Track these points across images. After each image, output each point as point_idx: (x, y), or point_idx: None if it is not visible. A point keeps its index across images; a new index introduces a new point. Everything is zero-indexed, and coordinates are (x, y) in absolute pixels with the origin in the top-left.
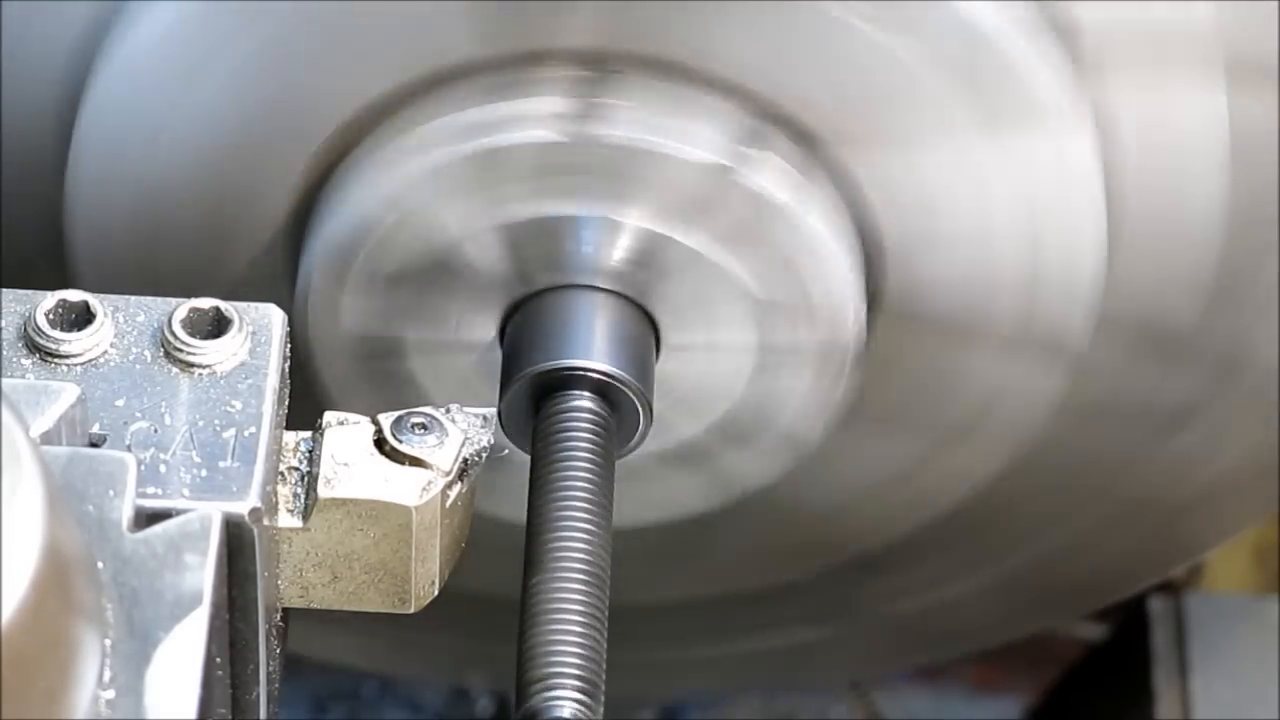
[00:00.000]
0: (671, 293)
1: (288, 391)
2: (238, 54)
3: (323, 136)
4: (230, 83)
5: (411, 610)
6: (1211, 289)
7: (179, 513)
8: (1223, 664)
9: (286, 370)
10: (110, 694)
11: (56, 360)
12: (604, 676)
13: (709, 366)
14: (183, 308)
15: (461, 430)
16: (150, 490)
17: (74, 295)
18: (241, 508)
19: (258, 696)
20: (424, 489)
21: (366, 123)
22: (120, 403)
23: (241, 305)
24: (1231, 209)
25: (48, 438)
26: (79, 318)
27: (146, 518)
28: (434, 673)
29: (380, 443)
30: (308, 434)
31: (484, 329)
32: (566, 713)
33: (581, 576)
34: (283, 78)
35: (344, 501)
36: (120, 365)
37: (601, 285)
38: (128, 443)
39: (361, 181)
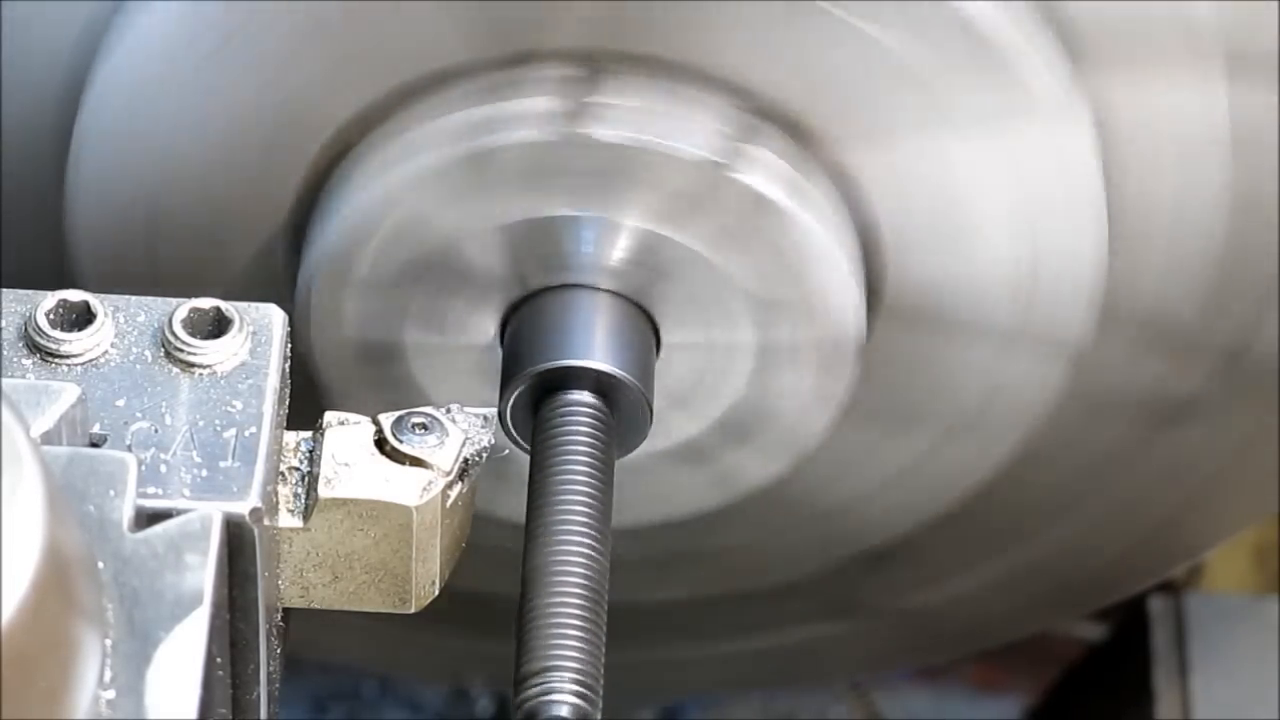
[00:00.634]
0: (669, 291)
1: (288, 391)
2: (236, 55)
3: (322, 137)
4: (229, 83)
5: (412, 610)
6: (1214, 283)
7: (179, 513)
8: (1223, 664)
9: (287, 370)
10: (111, 694)
11: (57, 360)
12: (603, 676)
13: (709, 365)
14: (183, 308)
15: (462, 430)
16: (151, 490)
17: (74, 295)
18: (242, 508)
19: (258, 696)
20: (424, 489)
21: (365, 123)
22: (121, 403)
23: (242, 305)
24: (1233, 203)
25: (48, 438)
26: (79, 318)
27: (147, 518)
28: (434, 673)
29: (381, 443)
30: (308, 434)
31: (484, 329)
32: (565, 712)
33: (581, 576)
34: (281, 79)
35: (344, 501)
36: (121, 365)
37: (600, 285)
38: (128, 443)
39: (360, 182)
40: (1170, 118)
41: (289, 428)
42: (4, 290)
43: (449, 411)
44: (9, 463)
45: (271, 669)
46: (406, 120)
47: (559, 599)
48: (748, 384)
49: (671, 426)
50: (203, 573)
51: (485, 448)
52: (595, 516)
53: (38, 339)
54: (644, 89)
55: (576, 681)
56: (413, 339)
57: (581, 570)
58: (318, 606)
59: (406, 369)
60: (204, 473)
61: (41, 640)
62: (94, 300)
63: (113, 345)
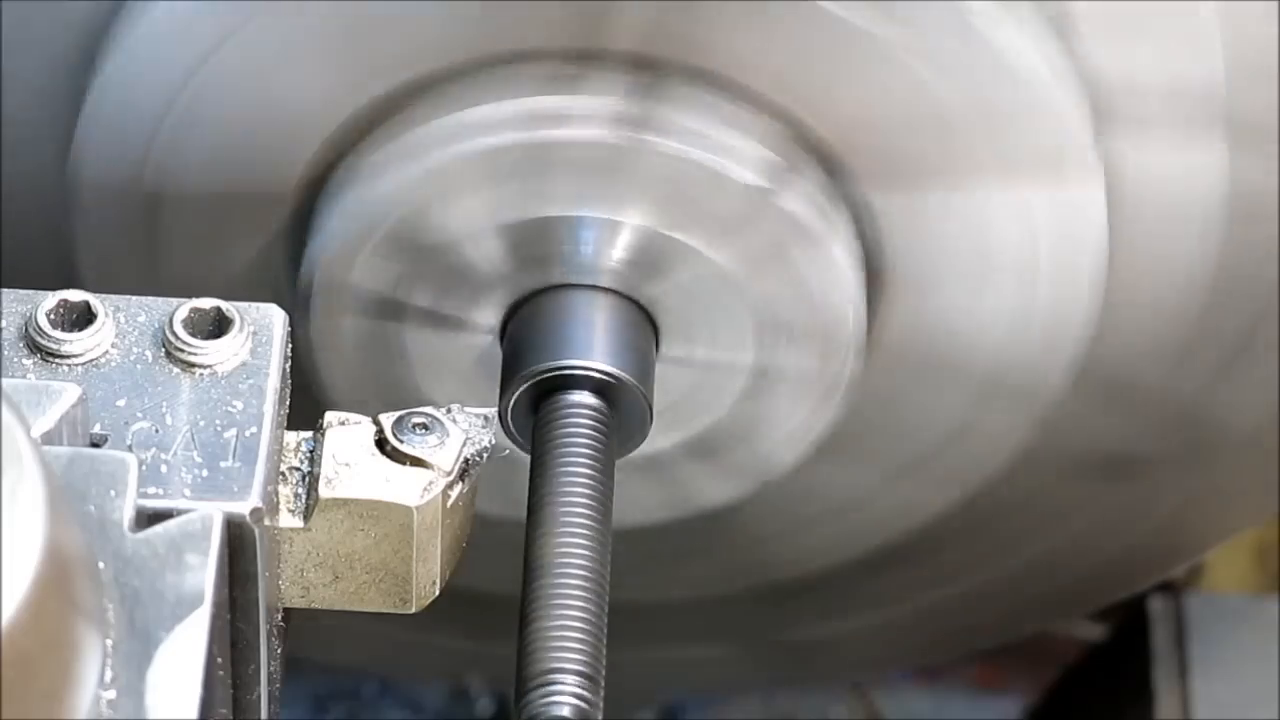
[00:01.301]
0: (681, 303)
1: (289, 391)
2: (236, 55)
3: (324, 136)
4: (229, 83)
5: (413, 610)
6: (1183, 346)
7: (180, 513)
8: (1223, 664)
9: (288, 370)
10: (111, 694)
11: (58, 360)
12: (604, 676)
13: (700, 382)
14: (184, 308)
15: (463, 430)
16: (151, 490)
17: (75, 295)
18: (243, 508)
19: (259, 696)
20: (425, 489)
21: (367, 122)
22: (121, 403)
23: (242, 305)
24: (1217, 271)
25: (49, 438)
26: (80, 318)
27: (148, 518)
28: (434, 673)
29: (381, 443)
30: (309, 434)
31: (485, 328)
32: (566, 712)
33: (581, 576)
34: (283, 76)
35: (345, 501)
36: (121, 365)
37: (603, 285)
38: (129, 443)
39: (362, 181)
40: (1169, 181)
41: (290, 428)
42: (4, 290)
43: (449, 411)
44: (10, 463)
45: (272, 669)
46: (413, 118)
47: (560, 600)
48: (733, 406)
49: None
50: (203, 573)
51: (486, 448)
52: (595, 517)
53: (38, 339)
54: (695, 100)
55: (578, 682)
56: (413, 338)
57: (582, 571)
58: (318, 606)
59: (407, 369)
60: (205, 473)
61: (42, 640)
62: (95, 300)
63: (113, 345)
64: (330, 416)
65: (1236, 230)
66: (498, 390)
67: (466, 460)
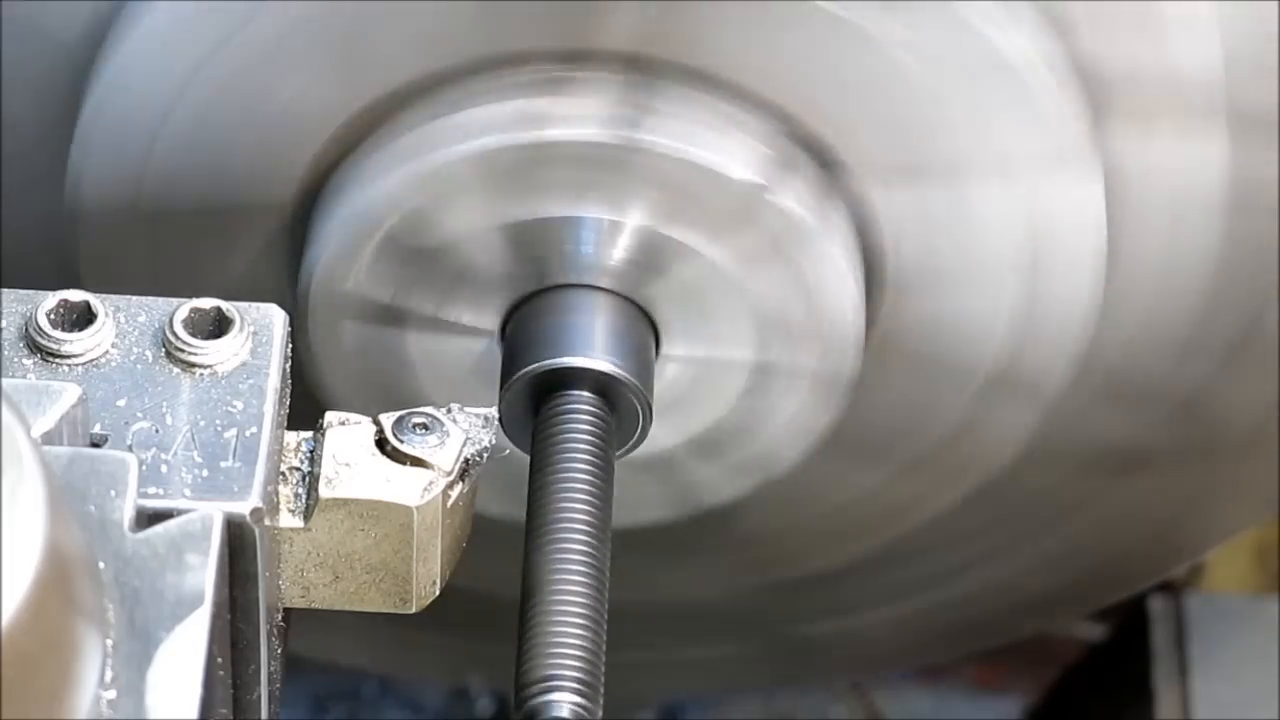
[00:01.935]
0: (680, 302)
1: (289, 391)
2: (237, 54)
3: (325, 135)
4: (230, 83)
5: (413, 610)
6: (1185, 341)
7: (180, 513)
8: (1223, 664)
9: (288, 370)
10: (112, 694)
11: (58, 360)
12: (603, 676)
13: (700, 379)
14: (184, 308)
15: (463, 430)
16: (152, 490)
17: (75, 295)
18: (243, 508)
19: (259, 696)
20: (425, 489)
21: (368, 122)
22: (121, 403)
23: (243, 305)
24: (1219, 264)
25: (49, 438)
26: (80, 318)
27: (148, 518)
28: (434, 673)
29: (381, 443)
30: (309, 434)
31: (485, 328)
32: (565, 712)
33: (581, 576)
34: (283, 76)
35: (345, 501)
36: (121, 365)
37: (601, 285)
38: (129, 443)
39: (363, 181)
40: (1170, 174)
41: (290, 428)
42: (5, 290)
43: (450, 411)
44: (10, 463)
45: (272, 669)
46: (414, 117)
47: (559, 599)
48: (734, 404)
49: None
50: (204, 573)
51: (486, 448)
52: (595, 517)
53: (39, 339)
54: (688, 100)
55: (577, 682)
56: (413, 338)
57: (582, 570)
58: (319, 606)
59: (407, 368)
60: (205, 473)
61: (42, 640)
62: (95, 300)
63: (113, 345)
64: (330, 416)
65: (1237, 223)
66: (497, 390)
67: (466, 460)
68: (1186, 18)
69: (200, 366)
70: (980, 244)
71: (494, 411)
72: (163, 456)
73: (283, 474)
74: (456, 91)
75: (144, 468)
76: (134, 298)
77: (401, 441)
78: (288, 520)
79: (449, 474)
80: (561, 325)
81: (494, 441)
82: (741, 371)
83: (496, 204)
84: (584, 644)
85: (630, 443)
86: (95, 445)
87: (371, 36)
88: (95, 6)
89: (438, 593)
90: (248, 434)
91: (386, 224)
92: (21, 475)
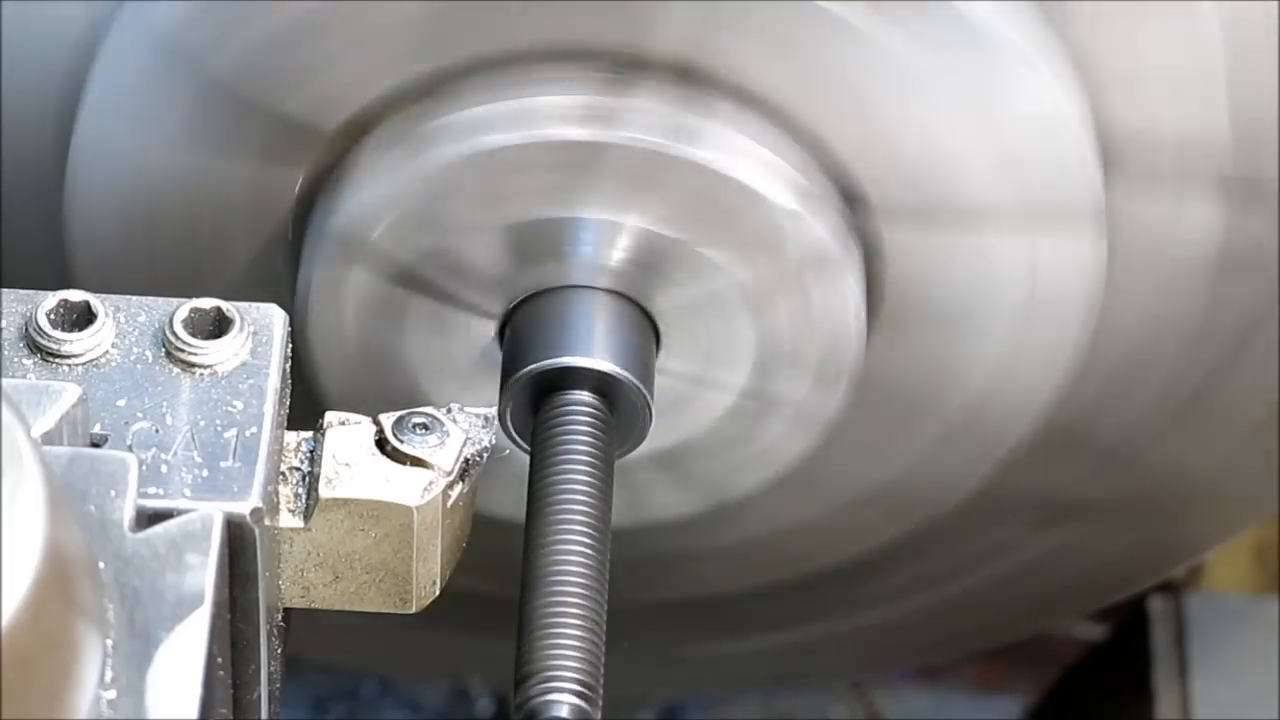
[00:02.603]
0: (688, 316)
1: (289, 391)
2: (236, 54)
3: (324, 135)
4: (231, 82)
5: (413, 610)
6: (1151, 405)
7: (180, 513)
8: (1223, 664)
9: (288, 370)
10: (112, 694)
11: (58, 360)
12: (603, 676)
13: (686, 395)
14: (184, 308)
15: (463, 430)
16: (152, 490)
17: (75, 295)
18: (243, 508)
19: (259, 697)
20: (425, 489)
21: (368, 121)
22: (121, 403)
23: (243, 305)
24: (1200, 329)
25: (49, 438)
26: (80, 318)
27: (148, 518)
28: (434, 673)
29: (381, 443)
30: (309, 434)
31: (484, 328)
32: (565, 712)
33: (581, 576)
34: (283, 76)
35: (345, 501)
36: (121, 365)
37: (614, 289)
38: (129, 443)
39: (363, 180)
40: (1162, 235)
41: (290, 428)
42: (5, 290)
43: (450, 411)
44: (10, 463)
45: (272, 669)
46: (415, 116)
47: (559, 599)
48: (711, 425)
49: None
50: (204, 573)
51: (486, 448)
52: (595, 517)
53: (39, 339)
54: (673, 96)
55: (577, 682)
56: (413, 338)
57: (581, 570)
58: (319, 607)
59: (407, 368)
60: (205, 473)
61: (42, 640)
62: (95, 300)
63: (113, 345)
64: (330, 416)
65: (1222, 287)
66: (497, 390)
67: (466, 460)
68: (1200, 75)
69: (200, 366)
70: (979, 291)
71: (494, 411)
72: (163, 456)
73: (283, 474)
74: (458, 91)
75: (144, 468)
76: (134, 298)
77: (401, 441)
78: (288, 520)
79: (449, 474)
80: (561, 324)
81: (494, 441)
82: (730, 394)
83: (517, 204)
84: (583, 643)
85: (631, 443)
86: (95, 445)
87: (371, 38)
88: (94, 7)
89: (438, 593)
90: (248, 434)
91: (386, 223)
92: (22, 475)
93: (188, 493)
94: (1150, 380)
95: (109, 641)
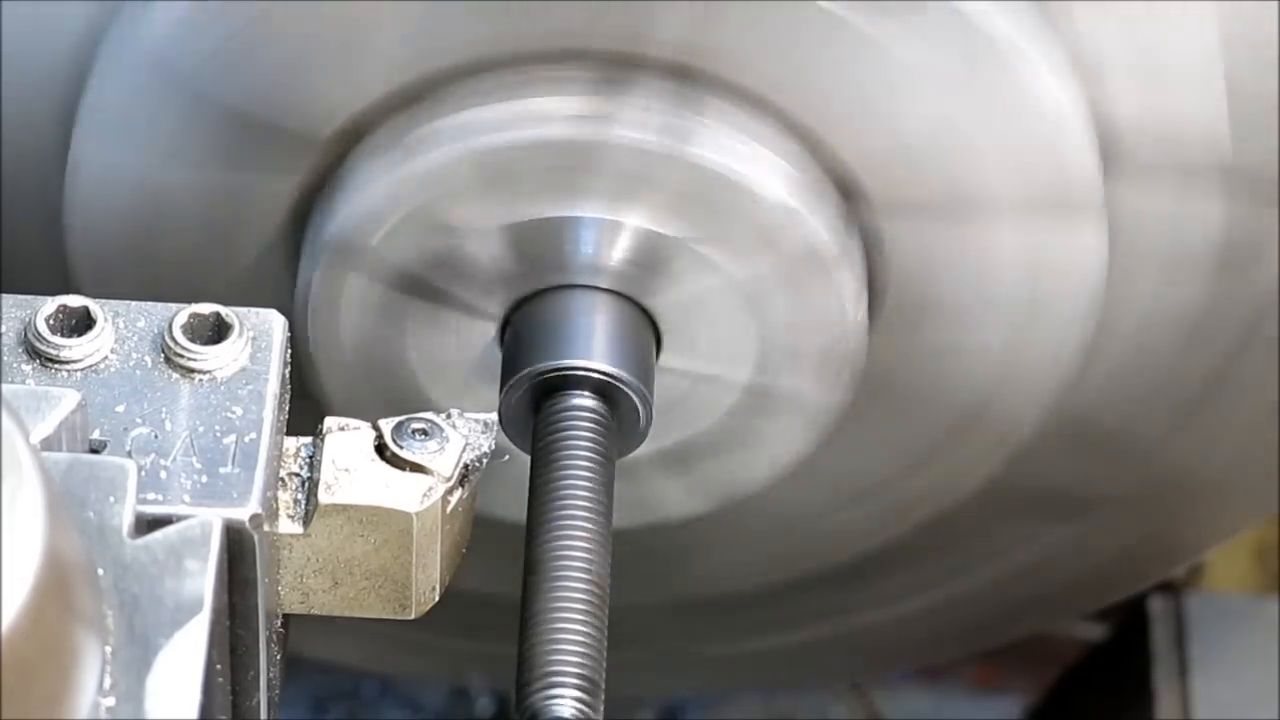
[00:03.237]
0: (688, 314)
1: (288, 397)
2: (236, 55)
3: (319, 142)
4: (231, 82)
5: (412, 616)
6: (1155, 397)
7: (180, 519)
8: (1223, 664)
9: (287, 376)
10: (111, 700)
11: (57, 366)
12: (604, 676)
13: (690, 393)
14: (183, 313)
15: (462, 436)
16: (151, 496)
17: (74, 301)
18: (242, 514)
19: (258, 702)
20: (425, 495)
21: (364, 127)
22: (121, 408)
23: (242, 311)
24: (1199, 321)
25: (48, 443)
26: (79, 323)
27: (147, 524)
28: (434, 673)
29: (381, 448)
30: (308, 439)
31: (484, 329)
32: (567, 712)
33: (582, 577)
34: (283, 77)
35: (345, 507)
36: (121, 371)
37: (613, 288)
38: (128, 448)
39: (363, 181)
40: (1162, 228)
41: (289, 433)
42: (4, 295)
43: (449, 417)
44: (9, 469)
45: (272, 675)
46: (416, 117)
47: (560, 600)
48: (715, 422)
49: None
50: (203, 579)
51: (486, 453)
52: (596, 518)
53: (38, 344)
54: (669, 96)
55: (578, 682)
56: (413, 342)
57: (583, 571)
58: (318, 612)
59: (408, 372)
60: (204, 479)
61: (41, 646)
62: (94, 305)
63: (113, 351)
64: (330, 422)
65: (1223, 279)
66: (497, 391)
67: (466, 466)
68: (1201, 70)
69: (199, 372)
70: (980, 285)
71: (493, 417)
72: (162, 462)
73: (282, 480)
74: (458, 92)
75: (143, 473)
76: (133, 303)
77: (401, 447)
78: (287, 526)
79: (448, 480)
80: (561, 326)
81: (494, 447)
82: (733, 391)
83: (514, 205)
84: (585, 643)
85: (631, 444)
86: (94, 451)
87: (372, 38)
88: (94, 7)
89: (437, 598)
90: (247, 440)
91: (386, 224)
92: (21, 481)
93: (187, 499)
94: (1153, 375)
95: (108, 648)
